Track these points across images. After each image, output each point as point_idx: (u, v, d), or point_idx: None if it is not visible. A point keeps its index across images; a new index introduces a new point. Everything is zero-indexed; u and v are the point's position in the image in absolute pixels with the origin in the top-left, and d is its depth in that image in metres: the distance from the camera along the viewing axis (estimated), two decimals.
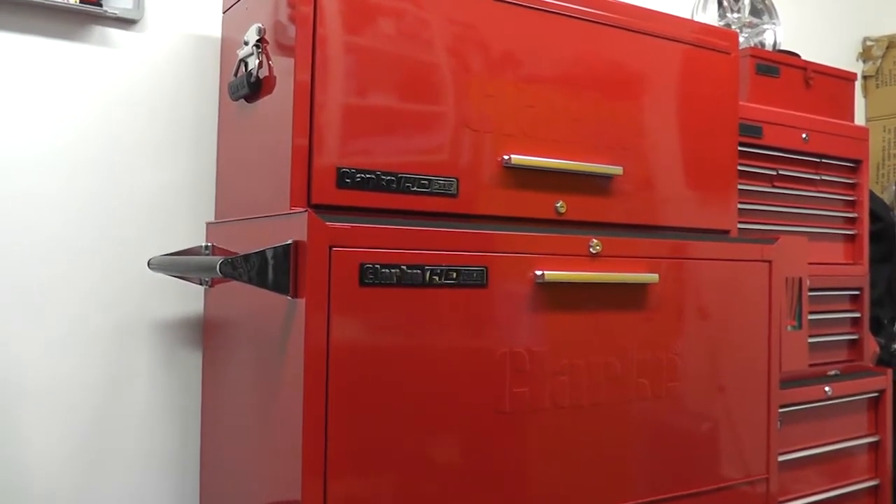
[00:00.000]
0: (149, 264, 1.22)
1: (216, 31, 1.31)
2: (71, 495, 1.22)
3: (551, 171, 1.13)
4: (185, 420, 1.31)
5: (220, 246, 1.19)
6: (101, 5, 1.22)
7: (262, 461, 1.03)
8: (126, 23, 1.27)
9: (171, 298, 1.30)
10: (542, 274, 1.04)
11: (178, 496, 1.31)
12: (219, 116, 1.29)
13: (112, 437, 1.26)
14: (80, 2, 1.20)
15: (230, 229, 1.17)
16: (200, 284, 1.28)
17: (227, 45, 1.23)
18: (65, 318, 1.22)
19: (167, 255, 1.23)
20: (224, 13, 1.25)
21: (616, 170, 1.18)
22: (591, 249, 1.10)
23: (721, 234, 1.32)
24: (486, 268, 1.01)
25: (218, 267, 0.93)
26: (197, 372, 1.32)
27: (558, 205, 1.14)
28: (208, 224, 1.26)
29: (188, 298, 1.31)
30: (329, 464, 0.91)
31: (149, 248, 1.28)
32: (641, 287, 1.14)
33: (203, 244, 1.24)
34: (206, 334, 1.29)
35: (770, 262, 1.29)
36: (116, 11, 1.24)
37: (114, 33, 1.27)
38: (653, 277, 1.14)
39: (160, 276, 1.27)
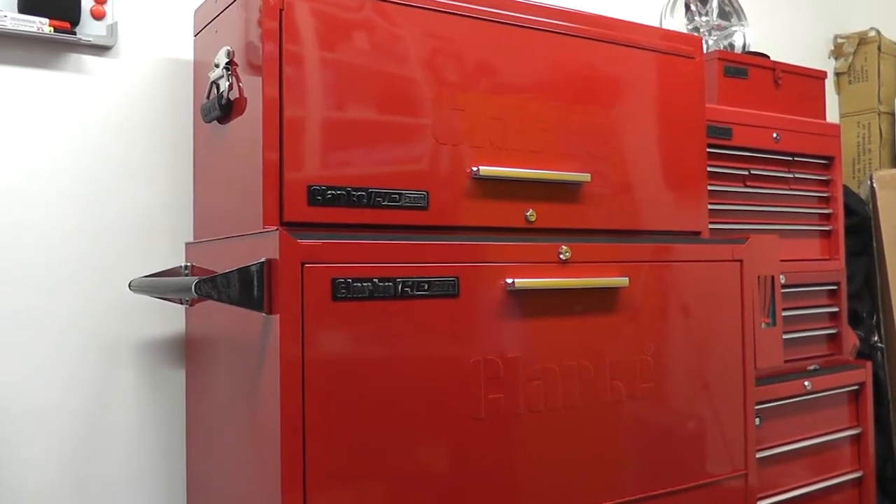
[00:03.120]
0: (130, 286, 1.24)
1: (188, 55, 1.33)
2: None
3: (520, 180, 1.15)
4: (171, 438, 1.33)
5: (199, 265, 1.21)
6: (74, 33, 1.24)
7: (245, 476, 1.04)
8: (100, 49, 1.29)
9: (153, 319, 1.32)
10: (513, 282, 1.06)
11: None
12: (194, 138, 1.31)
13: (99, 457, 1.27)
14: (55, 31, 1.22)
15: (208, 249, 1.19)
16: (181, 304, 1.29)
17: (200, 67, 1.25)
18: (48, 342, 1.24)
19: (148, 276, 1.25)
20: (195, 36, 1.27)
21: (584, 177, 1.20)
22: (561, 256, 1.12)
23: (692, 235, 1.34)
24: (457, 278, 1.03)
25: (192, 287, 0.94)
26: (181, 390, 1.33)
27: (528, 213, 1.16)
28: (187, 244, 1.28)
29: (170, 318, 1.33)
30: (308, 476, 0.92)
31: (131, 269, 1.29)
32: (612, 291, 1.16)
33: (183, 264, 1.26)
34: (188, 353, 1.31)
35: (741, 261, 1.31)
36: (90, 39, 1.26)
37: (88, 60, 1.29)
38: (623, 281, 1.16)
39: (142, 297, 1.29)
